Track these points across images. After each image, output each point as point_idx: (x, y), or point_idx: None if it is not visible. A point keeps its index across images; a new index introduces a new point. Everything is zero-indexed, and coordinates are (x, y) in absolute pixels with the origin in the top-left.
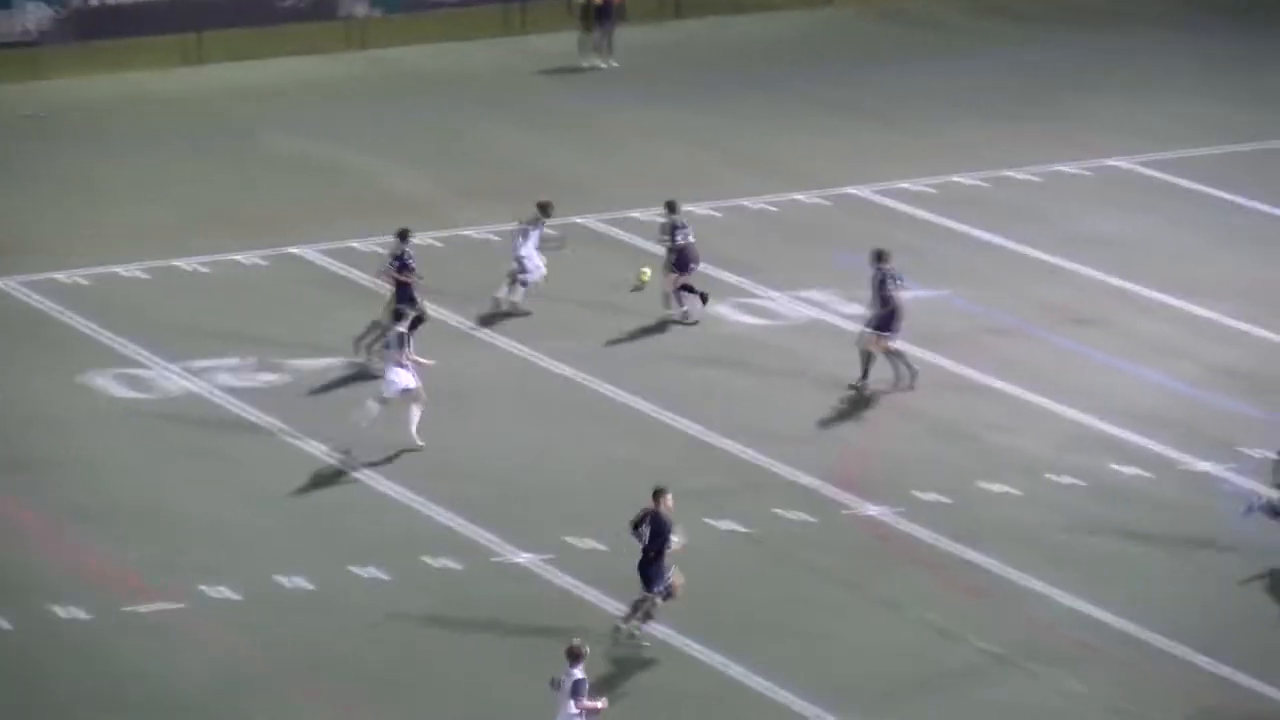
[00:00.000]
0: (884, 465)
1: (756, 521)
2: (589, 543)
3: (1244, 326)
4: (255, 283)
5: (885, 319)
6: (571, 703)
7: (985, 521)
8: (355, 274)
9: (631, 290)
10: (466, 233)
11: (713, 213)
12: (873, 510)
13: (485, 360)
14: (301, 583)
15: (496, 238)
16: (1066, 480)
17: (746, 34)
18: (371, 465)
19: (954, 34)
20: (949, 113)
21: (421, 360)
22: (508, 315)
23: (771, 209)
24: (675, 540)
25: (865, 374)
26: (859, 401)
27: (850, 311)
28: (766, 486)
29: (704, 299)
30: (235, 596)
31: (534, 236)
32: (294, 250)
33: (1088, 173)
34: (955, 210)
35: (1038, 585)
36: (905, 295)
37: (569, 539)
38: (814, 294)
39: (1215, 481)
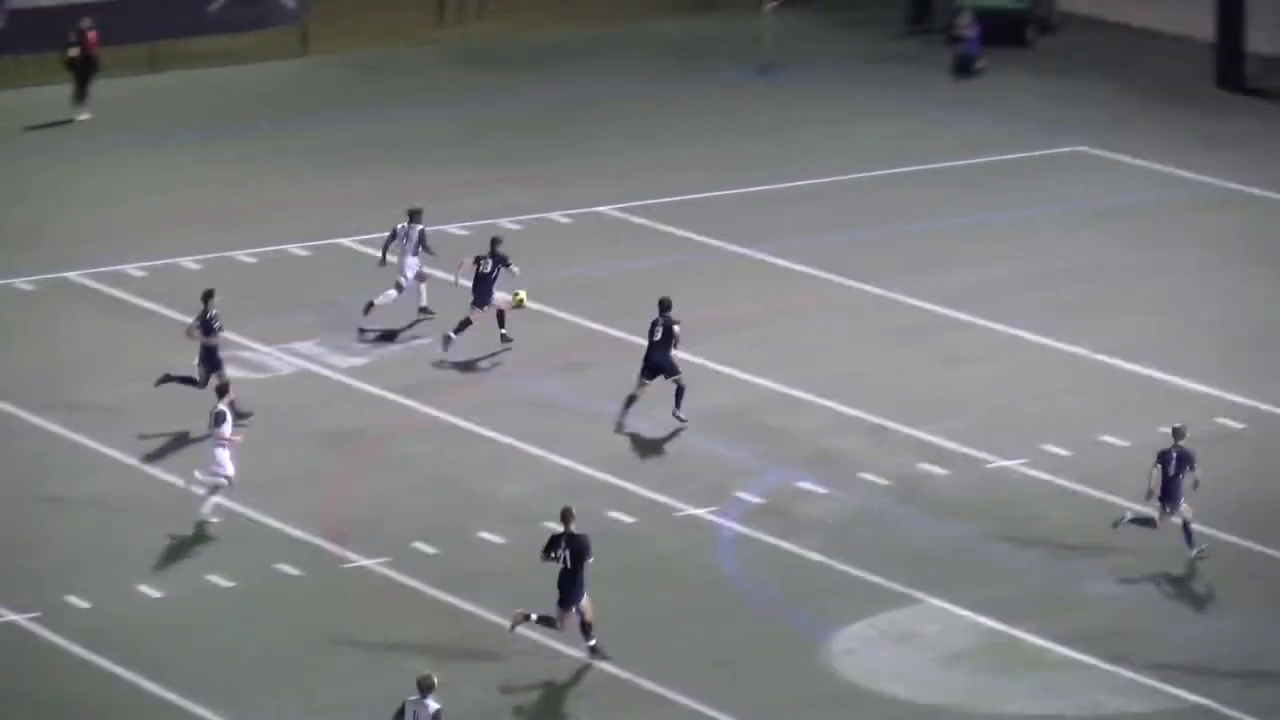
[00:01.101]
0: (372, 514)
1: (244, 574)
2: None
3: (731, 370)
4: None
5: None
6: None
7: (475, 570)
8: None
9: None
10: None
11: (195, 265)
12: (363, 561)
13: None
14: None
15: None
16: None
17: (224, 85)
18: None
19: (437, 82)
20: (432, 160)
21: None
22: None
23: (254, 261)
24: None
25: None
26: (346, 453)
27: (338, 363)
28: (256, 538)
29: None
30: None
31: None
32: None
33: (571, 220)
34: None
35: (530, 633)
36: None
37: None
38: (302, 346)
39: (708, 525)
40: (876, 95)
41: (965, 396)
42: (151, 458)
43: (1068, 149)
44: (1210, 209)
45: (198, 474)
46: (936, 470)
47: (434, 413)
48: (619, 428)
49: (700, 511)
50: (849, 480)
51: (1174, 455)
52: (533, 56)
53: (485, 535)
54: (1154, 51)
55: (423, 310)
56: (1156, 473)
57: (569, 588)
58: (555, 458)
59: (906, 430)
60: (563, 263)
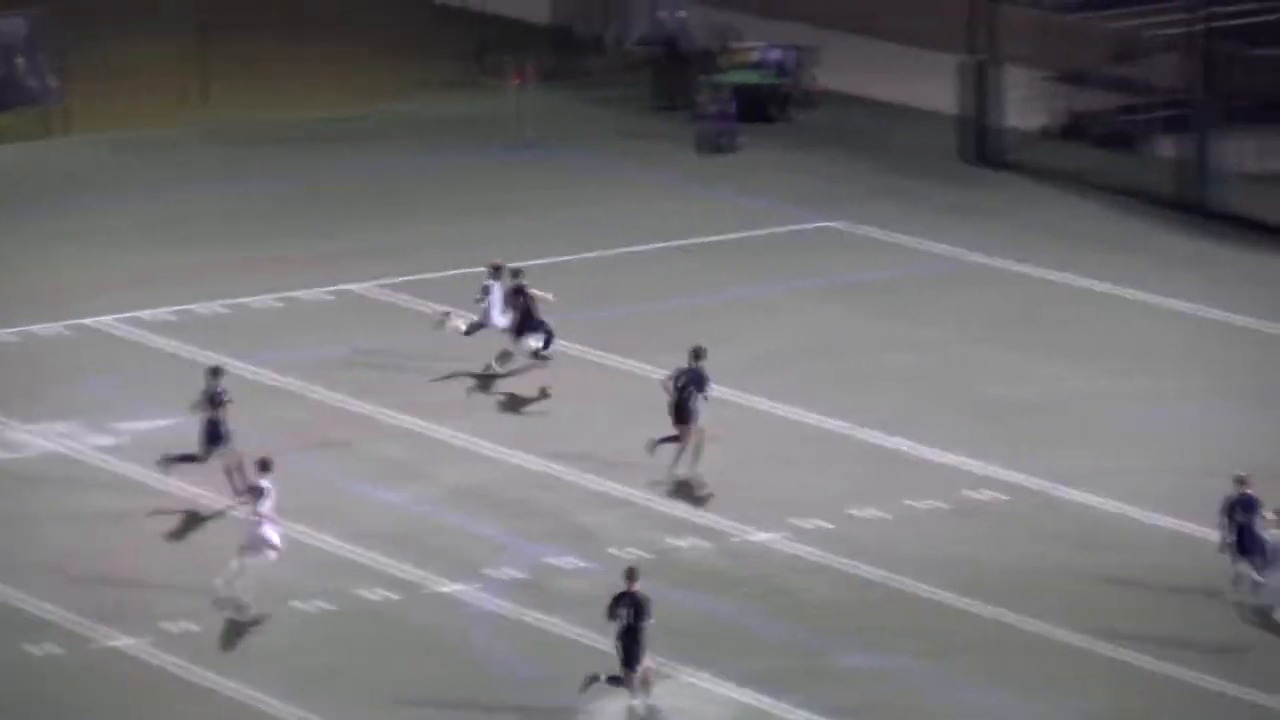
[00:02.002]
0: (130, 596)
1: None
2: None
3: (484, 445)
4: None
5: None
6: None
7: (237, 648)
8: None
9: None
10: None
11: None
12: (125, 641)
13: None
14: None
15: None
16: (315, 606)
17: None
18: None
19: (196, 161)
20: (184, 239)
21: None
22: None
23: (12, 339)
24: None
25: None
26: (101, 532)
27: (95, 442)
28: (10, 624)
29: None
30: None
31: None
32: None
33: (333, 297)
34: (195, 336)
35: (295, 711)
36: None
37: None
38: (58, 426)
39: (463, 603)
40: (631, 171)
41: (718, 470)
42: None
43: (818, 224)
44: (959, 283)
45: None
46: (689, 544)
47: (195, 490)
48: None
49: (455, 587)
50: (600, 555)
51: (1241, 501)
52: (294, 136)
53: (239, 616)
54: (906, 126)
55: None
56: (1226, 523)
57: (631, 646)
58: (318, 534)
59: (658, 505)
60: (319, 341)
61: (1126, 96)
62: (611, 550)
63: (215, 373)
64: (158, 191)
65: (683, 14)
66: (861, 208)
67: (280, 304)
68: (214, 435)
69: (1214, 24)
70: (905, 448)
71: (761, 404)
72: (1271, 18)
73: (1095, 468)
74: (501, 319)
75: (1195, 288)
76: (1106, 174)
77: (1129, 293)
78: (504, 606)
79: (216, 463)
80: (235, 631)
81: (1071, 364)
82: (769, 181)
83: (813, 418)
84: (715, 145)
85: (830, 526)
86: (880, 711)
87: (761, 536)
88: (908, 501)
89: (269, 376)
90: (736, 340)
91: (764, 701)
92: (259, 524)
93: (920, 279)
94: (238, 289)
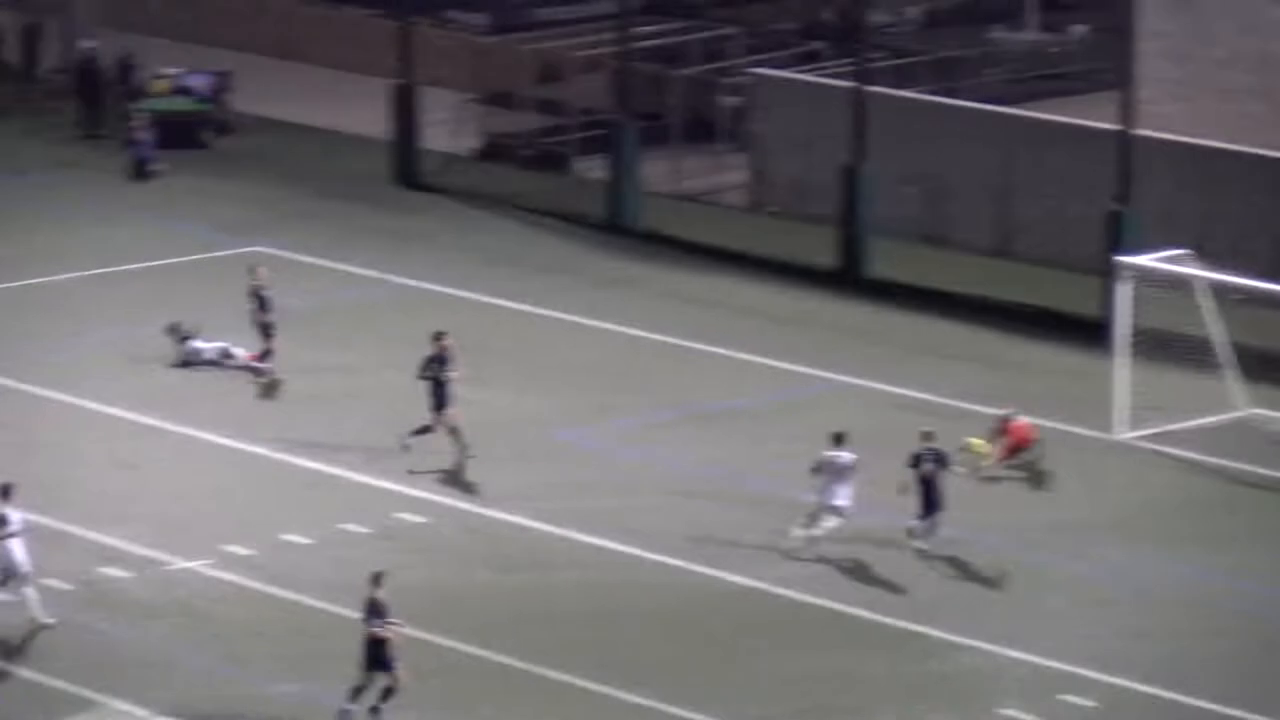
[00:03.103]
0: None
1: None
2: None
3: None
4: None
5: None
6: None
7: None
8: None
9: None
10: None
11: None
12: None
13: None
14: None
15: None
16: None
17: None
18: None
19: None
20: None
21: None
22: None
23: None
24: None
25: None
26: None
27: None
28: None
29: None
30: None
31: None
32: None
33: None
34: None
35: None
36: None
37: None
38: None
39: None
40: (61, 202)
41: (146, 498)
42: None
43: (246, 249)
44: (386, 306)
45: None
46: (118, 573)
47: None
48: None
49: None
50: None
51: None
52: None
53: None
54: (335, 151)
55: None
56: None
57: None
58: None
59: (88, 534)
60: None
61: (550, 118)
62: (43, 580)
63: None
64: None
65: (93, 43)
66: (289, 232)
67: None
68: None
69: (633, 45)
70: (335, 472)
71: (193, 431)
72: (687, 38)
73: (518, 488)
74: None
75: (620, 307)
76: (533, 196)
77: (554, 314)
78: None
79: None
80: None
81: (501, 386)
82: (195, 208)
83: (241, 444)
84: (141, 173)
85: (255, 553)
86: None
87: (186, 564)
88: (340, 526)
89: None
90: (156, 370)
91: None
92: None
93: (347, 303)
94: None
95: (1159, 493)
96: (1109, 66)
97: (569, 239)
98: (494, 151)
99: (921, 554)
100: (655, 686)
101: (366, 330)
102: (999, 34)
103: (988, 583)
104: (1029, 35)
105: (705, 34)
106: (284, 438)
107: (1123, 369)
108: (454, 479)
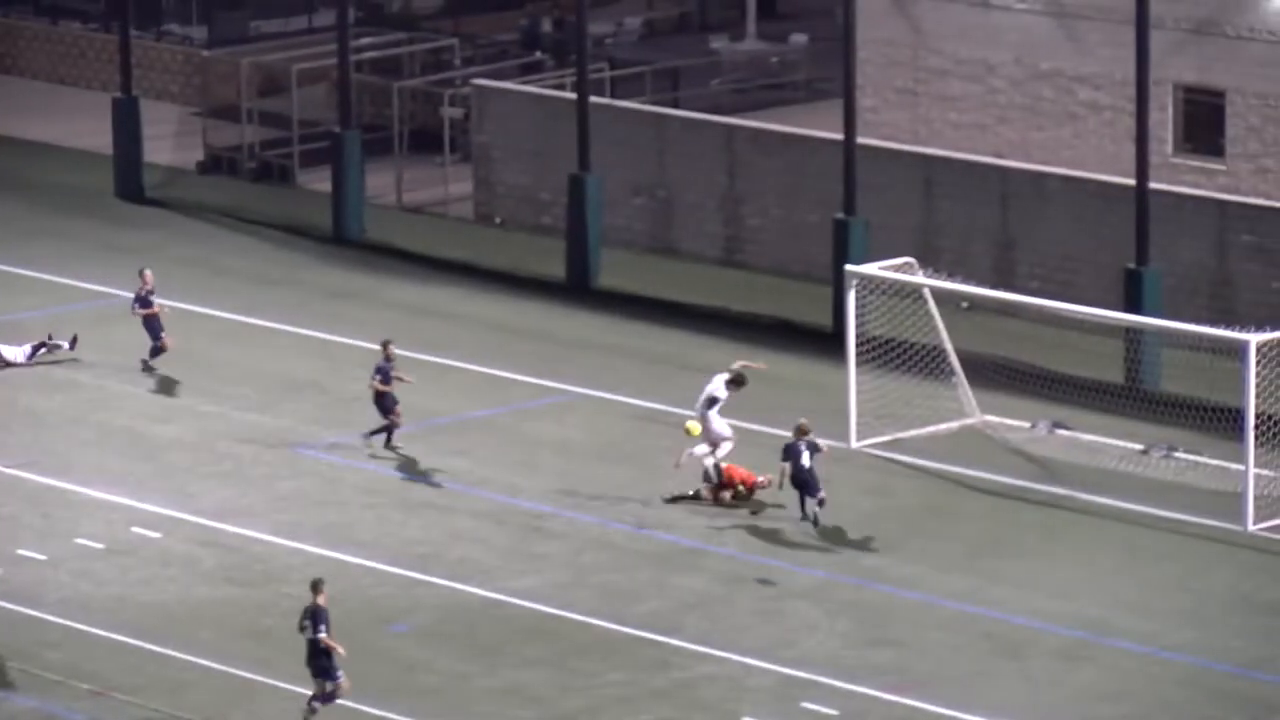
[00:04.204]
0: None
1: None
2: None
3: None
4: None
5: None
6: None
7: None
8: None
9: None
10: None
11: None
12: None
13: None
14: None
15: None
16: None
17: None
18: None
19: None
20: None
21: None
22: None
23: None
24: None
25: None
26: None
27: None
28: None
29: None
30: None
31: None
32: None
33: None
34: None
35: None
36: None
37: None
38: None
39: None
40: None
41: None
42: None
43: None
44: (111, 319)
45: None
46: None
47: None
48: None
49: None
50: None
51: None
52: None
53: None
54: (55, 165)
55: None
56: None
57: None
58: None
59: None
60: None
61: (273, 130)
62: None
63: None
64: None
65: None
66: (12, 249)
67: None
68: None
69: (354, 57)
70: (67, 487)
71: None
72: (411, 49)
73: (251, 502)
74: None
75: (348, 319)
76: (258, 208)
77: (282, 326)
78: None
79: None
80: None
81: (231, 400)
82: None
83: None
84: None
85: None
86: None
87: None
88: (76, 541)
89: None
90: None
91: None
92: None
93: (72, 317)
94: None
95: (895, 500)
96: (831, 76)
97: (295, 251)
98: (219, 164)
99: (819, 526)
100: (397, 700)
101: (93, 346)
102: (720, 44)
103: (729, 591)
104: (749, 45)
105: (426, 45)
106: (13, 454)
107: (854, 378)
108: (183, 491)
